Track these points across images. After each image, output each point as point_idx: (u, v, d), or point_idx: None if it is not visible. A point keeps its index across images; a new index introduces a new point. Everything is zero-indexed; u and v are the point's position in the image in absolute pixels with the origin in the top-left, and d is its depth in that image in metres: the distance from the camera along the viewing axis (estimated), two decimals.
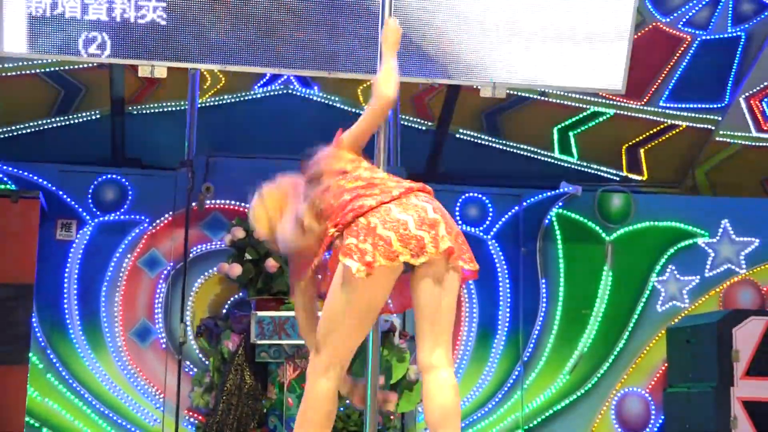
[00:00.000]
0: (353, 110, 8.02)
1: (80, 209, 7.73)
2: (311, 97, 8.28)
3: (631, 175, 8.79)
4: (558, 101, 8.39)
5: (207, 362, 7.31)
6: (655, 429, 8.22)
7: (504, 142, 8.62)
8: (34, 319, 7.31)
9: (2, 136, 8.02)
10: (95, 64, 7.51)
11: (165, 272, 7.74)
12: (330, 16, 6.92)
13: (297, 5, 6.90)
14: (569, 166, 8.72)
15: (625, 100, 8.35)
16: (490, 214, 8.26)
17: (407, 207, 3.70)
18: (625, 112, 8.51)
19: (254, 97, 8.25)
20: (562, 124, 8.61)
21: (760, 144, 8.67)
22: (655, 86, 8.44)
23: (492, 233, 8.24)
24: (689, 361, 7.72)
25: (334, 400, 3.76)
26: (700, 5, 8.26)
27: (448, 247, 3.66)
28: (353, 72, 7.04)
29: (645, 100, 8.47)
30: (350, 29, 6.94)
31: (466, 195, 8.25)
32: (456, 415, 3.62)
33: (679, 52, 8.33)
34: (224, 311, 7.61)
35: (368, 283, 3.59)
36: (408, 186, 3.85)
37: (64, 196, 7.72)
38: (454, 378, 3.70)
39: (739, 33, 8.30)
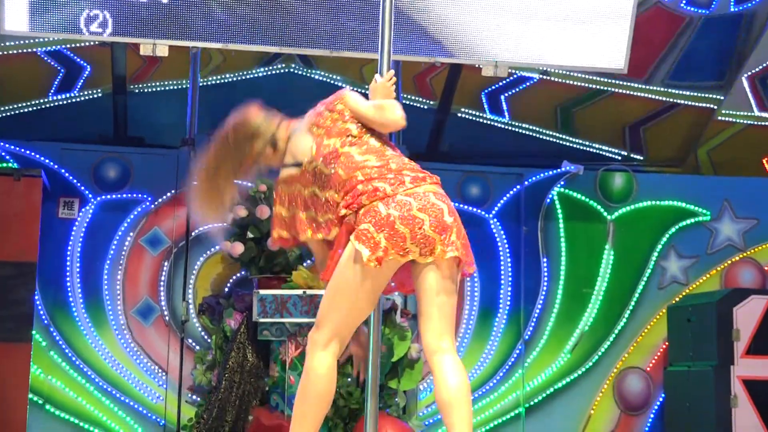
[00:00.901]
0: (355, 89, 7.99)
1: (82, 187, 7.73)
2: (313, 76, 8.28)
3: (632, 155, 8.80)
4: (560, 80, 8.37)
5: (209, 340, 7.32)
6: (656, 407, 8.24)
7: (506, 121, 8.62)
8: (36, 297, 7.33)
9: (4, 115, 8.03)
10: (97, 43, 7.51)
11: (167, 251, 7.75)
12: None
13: None
14: (571, 145, 8.71)
15: (627, 79, 8.32)
16: (492, 193, 8.27)
17: (426, 206, 3.79)
18: (627, 92, 8.49)
19: (256, 76, 8.23)
20: (564, 104, 8.60)
21: (763, 123, 8.66)
22: (657, 65, 8.42)
23: (493, 212, 8.26)
24: (690, 339, 7.74)
25: (332, 374, 3.80)
26: None
27: (455, 256, 3.79)
28: (355, 51, 7.04)
29: (647, 79, 8.45)
30: (352, 7, 6.94)
31: (468, 174, 8.26)
32: (468, 395, 3.73)
33: (682, 30, 8.29)
34: (226, 289, 7.61)
35: (375, 271, 3.72)
36: (420, 173, 3.91)
37: (66, 175, 7.72)
38: (462, 364, 3.81)
39: (741, 11, 8.27)
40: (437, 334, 3.80)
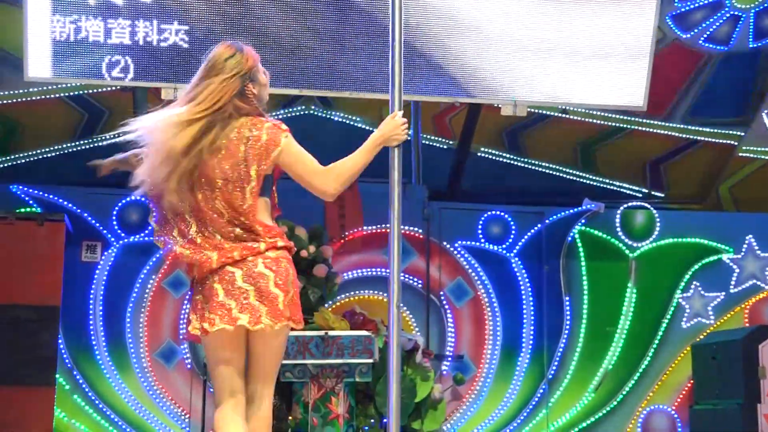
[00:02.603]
0: (374, 130, 8.01)
1: (105, 231, 7.79)
2: (333, 117, 8.31)
3: (653, 192, 8.79)
4: (579, 118, 8.39)
5: None
6: None
7: (526, 159, 8.62)
8: (60, 341, 7.34)
9: (28, 160, 8.09)
10: (119, 88, 7.52)
11: (189, 293, 7.70)
12: (351, 36, 6.95)
13: (318, 26, 6.94)
14: (591, 183, 8.73)
15: (646, 117, 8.32)
16: (513, 232, 8.26)
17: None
18: (647, 129, 8.50)
19: (276, 117, 8.19)
20: (584, 141, 8.61)
21: None
22: (676, 102, 8.43)
23: (515, 251, 8.25)
24: (715, 378, 7.68)
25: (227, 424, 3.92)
26: (721, 21, 8.23)
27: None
28: (374, 92, 7.06)
29: (667, 116, 8.45)
30: (370, 49, 6.97)
31: (489, 213, 8.26)
32: None
33: (700, 67, 8.30)
34: None
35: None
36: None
37: (89, 218, 7.77)
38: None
39: (760, 47, 8.27)
40: None
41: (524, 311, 8.18)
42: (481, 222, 8.20)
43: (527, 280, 8.21)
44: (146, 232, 7.79)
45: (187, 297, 4.02)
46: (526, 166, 8.64)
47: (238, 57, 3.99)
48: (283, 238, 3.89)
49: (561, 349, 8.14)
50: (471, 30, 7.09)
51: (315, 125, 8.28)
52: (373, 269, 7.93)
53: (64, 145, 8.15)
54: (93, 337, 7.64)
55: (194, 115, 3.86)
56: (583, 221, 8.29)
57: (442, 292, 8.06)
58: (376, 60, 6.96)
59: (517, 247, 8.25)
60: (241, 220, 3.83)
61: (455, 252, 8.15)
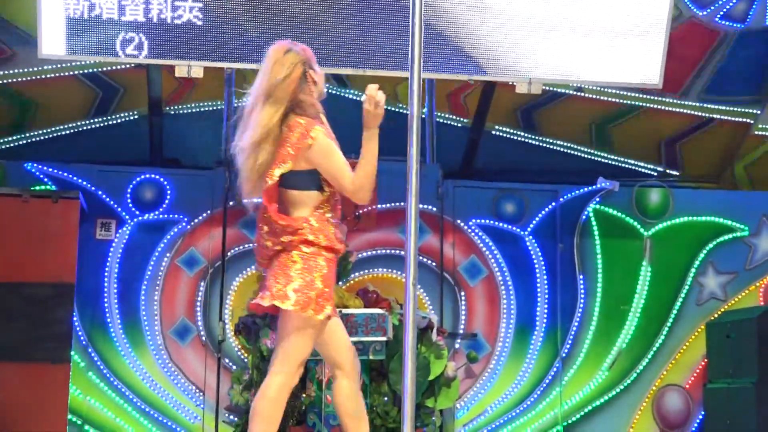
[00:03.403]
0: (389, 108, 8.00)
1: (119, 209, 7.79)
2: (346, 95, 8.29)
3: (668, 170, 8.77)
4: (594, 96, 8.36)
5: (246, 360, 7.34)
6: (696, 425, 8.17)
7: (540, 138, 8.60)
8: (75, 318, 7.37)
9: (42, 138, 8.11)
10: (133, 65, 7.55)
11: (204, 271, 7.78)
12: (366, 12, 6.93)
13: (332, 2, 6.91)
14: (606, 161, 8.69)
15: (662, 95, 8.29)
16: (527, 211, 8.23)
17: None
18: (662, 107, 8.46)
19: None
20: (599, 120, 8.58)
21: None
22: (692, 80, 8.38)
23: (529, 229, 8.22)
24: (729, 356, 7.66)
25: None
26: None
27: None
28: (389, 69, 7.04)
29: (682, 94, 8.41)
30: (385, 25, 6.95)
31: (503, 191, 8.24)
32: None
33: (717, 45, 8.25)
34: None
35: None
36: None
37: (104, 196, 7.77)
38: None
39: None
40: None
41: (538, 290, 8.15)
42: (495, 200, 8.19)
43: (541, 258, 8.18)
44: (161, 209, 7.81)
45: (323, 274, 4.30)
46: (541, 144, 8.61)
47: (295, 49, 4.42)
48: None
49: (575, 328, 8.13)
50: (486, 7, 7.07)
51: (329, 104, 8.22)
52: (387, 248, 7.93)
53: (79, 123, 8.16)
54: (108, 315, 7.66)
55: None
56: (597, 200, 8.26)
57: (455, 271, 8.05)
58: (391, 37, 6.96)
59: (532, 226, 8.22)
60: None
61: (469, 230, 8.14)
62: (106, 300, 7.67)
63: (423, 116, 7.30)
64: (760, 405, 7.32)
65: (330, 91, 8.21)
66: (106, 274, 7.70)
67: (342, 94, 8.31)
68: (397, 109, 7.94)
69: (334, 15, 6.91)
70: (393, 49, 6.91)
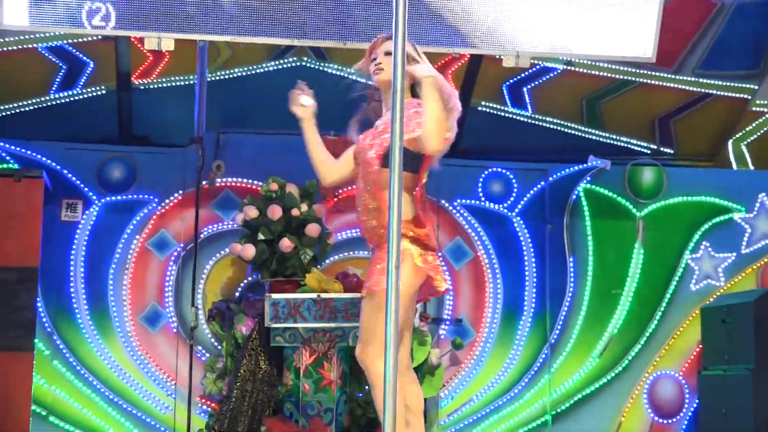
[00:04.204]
0: (370, 83, 7.96)
1: (86, 189, 7.75)
2: (327, 69, 8.25)
3: (662, 148, 8.77)
4: (585, 71, 8.34)
5: (220, 347, 7.34)
6: (690, 413, 8.21)
7: (528, 114, 8.59)
8: (39, 304, 7.36)
9: (4, 114, 8.05)
10: (100, 37, 7.47)
11: (175, 254, 7.77)
12: None
13: None
14: (597, 138, 8.68)
15: (655, 69, 8.28)
16: (515, 190, 8.25)
17: None
18: (656, 82, 8.44)
19: (266, 70, 8.21)
20: (590, 96, 8.56)
21: None
22: (687, 54, 8.37)
23: (517, 210, 8.25)
24: (725, 342, 7.69)
25: None
26: None
27: None
28: (369, 42, 6.99)
29: (677, 68, 8.40)
30: None
31: (490, 170, 8.25)
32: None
33: (713, 16, 8.23)
34: (237, 294, 7.63)
35: None
36: None
37: (69, 175, 7.74)
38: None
39: None
40: None
41: (526, 273, 8.18)
42: (481, 180, 8.19)
43: (529, 240, 8.20)
44: (130, 189, 7.79)
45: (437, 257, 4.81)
46: (529, 121, 8.59)
47: None
48: None
49: (564, 313, 8.15)
50: None
51: (308, 78, 8.16)
52: None
53: (42, 99, 8.09)
54: (74, 300, 7.63)
55: None
56: (588, 179, 8.27)
57: (440, 253, 8.03)
58: (372, 8, 6.90)
59: (519, 206, 8.24)
60: None
61: (454, 211, 8.15)
62: (72, 285, 7.64)
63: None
64: (757, 393, 7.35)
65: (309, 65, 8.28)
66: (72, 257, 7.67)
67: (322, 68, 8.26)
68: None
69: None
70: (375, 20, 6.87)
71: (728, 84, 8.49)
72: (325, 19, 6.92)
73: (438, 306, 7.98)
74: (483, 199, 8.16)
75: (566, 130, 8.64)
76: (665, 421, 8.22)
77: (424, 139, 4.53)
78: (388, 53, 4.69)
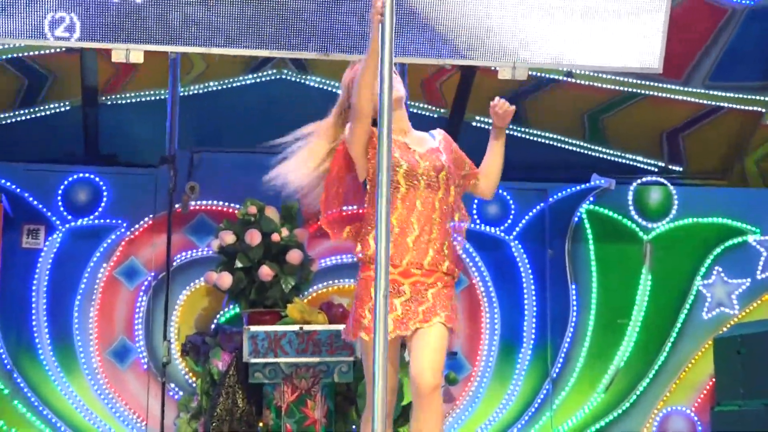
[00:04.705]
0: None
1: (49, 213, 7.72)
2: (307, 82, 8.24)
3: (671, 166, 8.80)
4: (587, 83, 8.36)
5: (194, 384, 7.30)
6: None
7: (527, 130, 8.59)
8: None
9: None
10: (63, 49, 7.46)
11: (145, 283, 7.74)
12: None
13: None
14: (601, 156, 8.72)
15: (663, 81, 8.28)
16: (512, 212, 8.24)
17: None
18: (664, 95, 8.47)
19: (243, 83, 8.24)
20: (593, 109, 8.59)
21: None
22: (696, 64, 8.39)
23: (514, 233, 8.22)
24: (740, 375, 7.62)
25: None
26: None
27: None
28: (355, 54, 6.94)
29: (685, 80, 8.43)
30: (350, 6, 6.87)
31: None
32: None
33: (723, 24, 8.27)
34: (213, 326, 7.54)
35: None
36: None
37: (31, 199, 7.70)
38: None
39: None
40: None
41: (525, 301, 8.13)
42: (476, 201, 8.09)
43: (528, 266, 8.17)
44: (96, 213, 7.75)
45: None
46: (527, 137, 8.61)
47: None
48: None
49: (567, 344, 8.11)
50: None
51: (288, 92, 8.27)
52: (354, 255, 7.80)
53: (2, 116, 8.08)
54: (36, 335, 7.57)
55: None
56: (591, 199, 8.24)
57: None
58: (355, 18, 6.85)
59: (518, 229, 8.20)
60: None
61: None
62: (34, 318, 7.59)
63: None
64: None
65: (289, 78, 8.25)
66: (34, 287, 7.63)
67: (303, 81, 8.26)
68: None
69: None
70: (358, 30, 6.87)
71: (741, 96, 8.52)
72: (306, 28, 6.92)
73: None
74: (478, 221, 8.12)
75: (567, 147, 8.69)
76: None
77: (488, 189, 4.83)
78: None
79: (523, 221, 8.22)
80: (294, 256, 7.08)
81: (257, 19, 6.84)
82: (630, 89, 8.42)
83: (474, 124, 8.46)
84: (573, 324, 8.13)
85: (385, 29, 4.05)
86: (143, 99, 8.15)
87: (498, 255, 8.13)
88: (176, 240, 7.62)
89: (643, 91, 8.43)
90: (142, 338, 7.65)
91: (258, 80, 8.19)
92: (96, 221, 7.73)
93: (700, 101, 8.51)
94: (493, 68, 7.27)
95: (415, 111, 8.34)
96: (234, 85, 8.19)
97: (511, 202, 8.21)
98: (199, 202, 7.71)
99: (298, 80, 8.24)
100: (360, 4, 6.83)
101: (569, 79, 8.24)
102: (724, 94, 8.49)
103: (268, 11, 6.83)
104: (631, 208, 8.31)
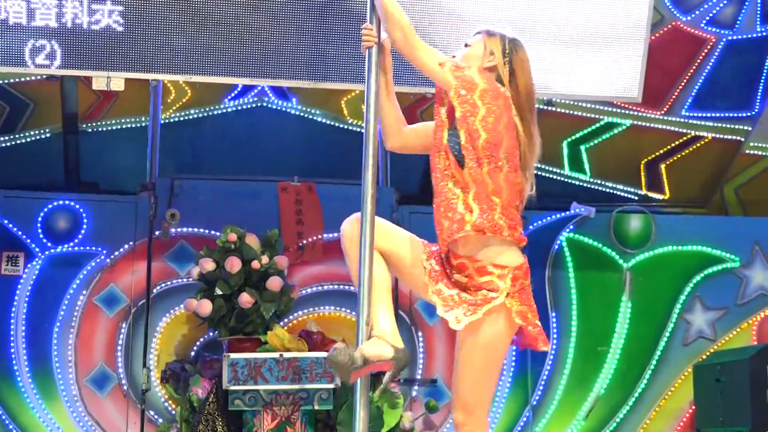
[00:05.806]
0: (336, 124, 8.01)
1: (28, 240, 7.72)
2: (289, 110, 8.27)
3: (650, 194, 8.83)
4: (567, 111, 8.42)
5: (174, 412, 7.29)
6: None
7: None
8: None
9: None
10: (44, 77, 7.44)
11: (125, 310, 7.73)
12: (309, 20, 6.92)
13: (271, 8, 6.90)
14: (581, 184, 8.76)
15: (642, 110, 8.38)
16: None
17: None
18: (643, 123, 8.54)
19: (224, 111, 8.26)
20: (572, 138, 8.64)
21: None
22: (676, 93, 8.48)
23: None
24: (720, 402, 7.68)
25: None
26: (725, 2, 8.27)
27: None
28: (336, 82, 7.04)
29: (665, 109, 8.49)
30: (332, 34, 6.94)
31: None
32: None
33: (703, 54, 8.36)
34: (193, 354, 7.59)
35: None
36: None
37: (10, 225, 7.70)
38: None
39: None
40: None
41: None
42: None
43: None
44: (76, 241, 7.74)
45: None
46: None
47: None
48: None
49: (547, 372, 8.15)
50: (442, 10, 7.08)
51: (269, 119, 8.25)
52: (335, 283, 7.91)
53: None
54: (14, 362, 7.57)
55: None
56: (571, 227, 8.32)
57: (412, 308, 8.05)
58: (336, 46, 6.94)
59: None
60: None
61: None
62: (12, 345, 7.58)
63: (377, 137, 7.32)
64: None
65: (269, 105, 8.31)
66: (12, 314, 7.62)
67: (284, 109, 8.29)
68: (346, 126, 7.95)
69: (273, 22, 6.89)
70: (339, 58, 6.91)
71: (720, 125, 8.58)
72: (287, 56, 6.95)
73: (410, 365, 7.95)
74: None
75: (546, 175, 8.67)
76: None
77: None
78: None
79: None
80: (274, 284, 7.11)
81: (238, 47, 6.87)
82: (610, 118, 8.46)
83: None
84: (553, 352, 8.13)
85: (372, 58, 4.17)
86: (124, 126, 8.15)
87: None
88: (156, 267, 7.68)
89: (622, 120, 8.48)
90: (121, 365, 7.62)
91: (239, 108, 8.21)
92: (76, 248, 7.73)
93: (680, 130, 8.56)
94: None
95: None
96: (215, 112, 8.20)
97: None
98: (179, 230, 7.73)
99: (278, 108, 8.26)
100: (340, 33, 6.89)
101: (549, 108, 8.13)
102: (703, 123, 8.55)
103: (249, 39, 6.89)
104: (611, 236, 8.34)
